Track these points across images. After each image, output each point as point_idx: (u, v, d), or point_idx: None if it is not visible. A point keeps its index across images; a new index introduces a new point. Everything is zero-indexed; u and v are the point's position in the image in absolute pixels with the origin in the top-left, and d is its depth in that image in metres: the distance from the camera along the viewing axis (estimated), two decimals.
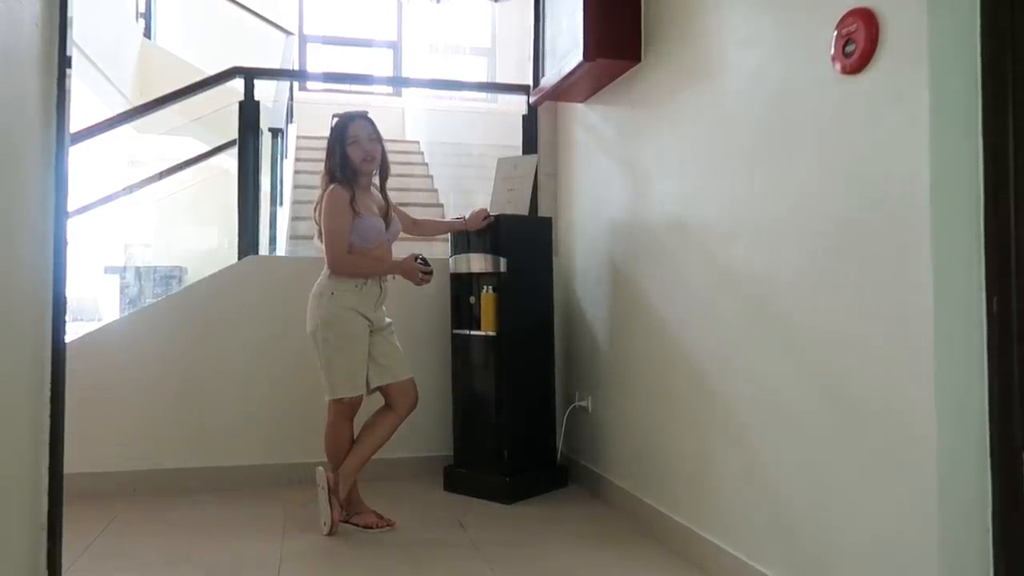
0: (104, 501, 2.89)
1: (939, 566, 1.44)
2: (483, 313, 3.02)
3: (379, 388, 2.64)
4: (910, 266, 1.49)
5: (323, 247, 2.56)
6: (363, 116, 2.63)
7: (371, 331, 2.61)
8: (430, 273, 2.69)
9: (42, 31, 1.30)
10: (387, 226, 2.66)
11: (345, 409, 2.59)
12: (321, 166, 2.65)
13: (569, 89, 3.07)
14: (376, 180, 2.71)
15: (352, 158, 2.58)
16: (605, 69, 2.81)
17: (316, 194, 2.67)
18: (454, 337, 3.19)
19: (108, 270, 6.33)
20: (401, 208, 2.90)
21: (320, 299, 2.56)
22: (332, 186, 2.56)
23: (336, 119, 2.63)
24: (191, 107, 4.01)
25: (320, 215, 2.57)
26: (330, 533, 2.55)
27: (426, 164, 6.66)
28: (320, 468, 2.60)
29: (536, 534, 2.58)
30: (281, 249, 4.43)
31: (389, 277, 2.68)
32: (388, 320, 2.70)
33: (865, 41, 1.58)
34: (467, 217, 3.03)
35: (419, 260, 2.67)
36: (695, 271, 2.32)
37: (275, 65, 5.89)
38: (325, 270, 2.58)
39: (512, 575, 2.22)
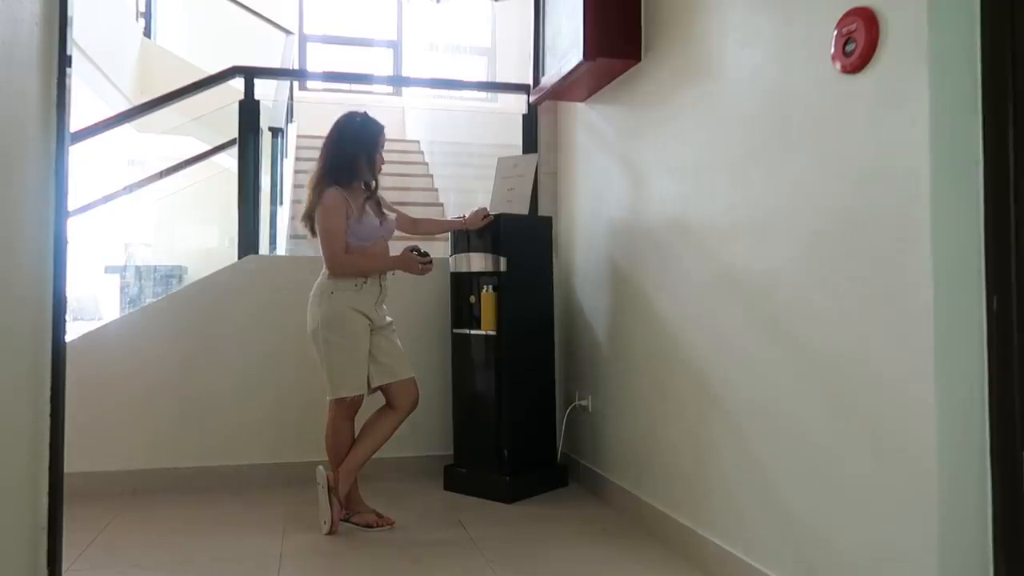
0: (104, 501, 2.90)
1: (939, 567, 1.44)
2: (483, 312, 3.02)
3: (380, 387, 2.64)
4: (910, 265, 1.49)
5: (320, 247, 2.56)
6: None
7: (372, 330, 2.61)
8: (429, 262, 2.69)
9: (42, 30, 1.29)
10: (380, 223, 2.67)
11: (346, 408, 2.59)
12: None
13: (569, 88, 3.07)
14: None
15: (378, 165, 2.66)
16: (605, 68, 2.81)
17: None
18: (454, 336, 3.19)
19: (108, 269, 6.32)
20: (401, 208, 2.90)
21: (320, 298, 2.56)
22: (329, 189, 2.54)
23: (362, 118, 2.63)
24: (191, 106, 4.01)
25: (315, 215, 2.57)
26: (330, 532, 2.55)
27: (426, 164, 6.66)
28: (320, 467, 2.60)
29: (536, 533, 2.58)
30: (281, 248, 4.43)
31: (389, 275, 2.69)
32: (389, 319, 2.70)
33: (865, 40, 1.58)
34: (467, 216, 3.03)
35: (415, 252, 2.68)
36: (695, 270, 2.32)
37: (275, 64, 5.90)
38: (324, 270, 2.58)
39: (512, 574, 2.22)
